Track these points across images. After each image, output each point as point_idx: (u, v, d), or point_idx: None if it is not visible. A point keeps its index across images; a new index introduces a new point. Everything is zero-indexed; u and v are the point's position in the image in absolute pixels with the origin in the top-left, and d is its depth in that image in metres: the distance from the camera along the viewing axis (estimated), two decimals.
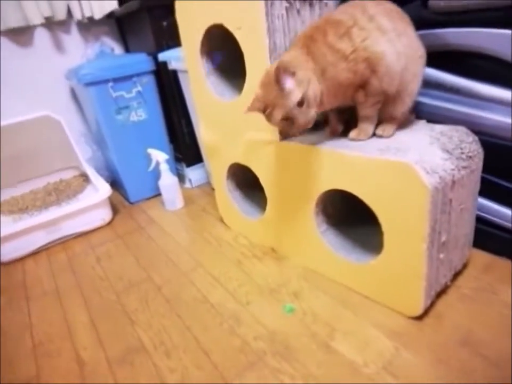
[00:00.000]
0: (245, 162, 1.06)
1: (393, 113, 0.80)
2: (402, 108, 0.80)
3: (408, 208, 0.69)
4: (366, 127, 0.81)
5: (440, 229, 0.72)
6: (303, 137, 0.90)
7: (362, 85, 0.75)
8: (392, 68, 0.73)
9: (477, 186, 0.82)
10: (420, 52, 0.78)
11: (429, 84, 0.90)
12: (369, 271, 0.84)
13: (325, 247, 0.93)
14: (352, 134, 0.82)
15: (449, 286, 0.86)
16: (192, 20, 1.00)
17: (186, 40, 1.07)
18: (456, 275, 0.89)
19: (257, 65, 0.87)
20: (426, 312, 0.80)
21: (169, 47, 1.46)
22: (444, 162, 0.70)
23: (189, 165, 1.69)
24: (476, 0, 0.77)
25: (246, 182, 1.24)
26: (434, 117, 0.91)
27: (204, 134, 1.18)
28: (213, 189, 1.63)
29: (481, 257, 0.94)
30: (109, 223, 1.50)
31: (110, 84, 1.42)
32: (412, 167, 0.66)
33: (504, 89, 0.81)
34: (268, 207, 1.07)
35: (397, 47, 0.73)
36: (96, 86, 1.40)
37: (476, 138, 0.79)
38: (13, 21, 1.49)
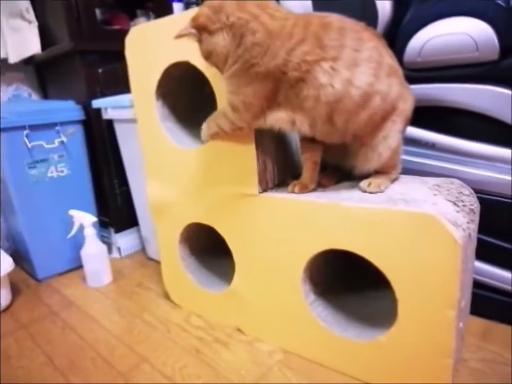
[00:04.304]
0: (208, 222, 0.88)
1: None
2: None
3: (432, 269, 0.59)
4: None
5: (462, 292, 0.62)
6: (282, 190, 0.78)
7: None
8: None
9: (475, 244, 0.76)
10: None
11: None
12: (376, 351, 0.69)
13: (314, 322, 0.76)
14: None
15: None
16: (147, 56, 0.86)
17: (137, 80, 0.91)
18: None
19: None
20: None
21: (103, 95, 1.28)
22: (457, 215, 0.63)
23: (118, 231, 1.42)
24: (453, 55, 0.78)
25: (201, 248, 1.04)
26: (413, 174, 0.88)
27: (152, 190, 0.97)
28: (150, 259, 1.38)
29: (474, 322, 0.87)
30: (7, 309, 1.12)
31: (26, 132, 1.16)
32: (439, 220, 0.56)
33: (481, 144, 0.82)
34: (236, 277, 0.88)
35: None
36: (6, 133, 1.13)
37: (472, 191, 0.75)
38: None
